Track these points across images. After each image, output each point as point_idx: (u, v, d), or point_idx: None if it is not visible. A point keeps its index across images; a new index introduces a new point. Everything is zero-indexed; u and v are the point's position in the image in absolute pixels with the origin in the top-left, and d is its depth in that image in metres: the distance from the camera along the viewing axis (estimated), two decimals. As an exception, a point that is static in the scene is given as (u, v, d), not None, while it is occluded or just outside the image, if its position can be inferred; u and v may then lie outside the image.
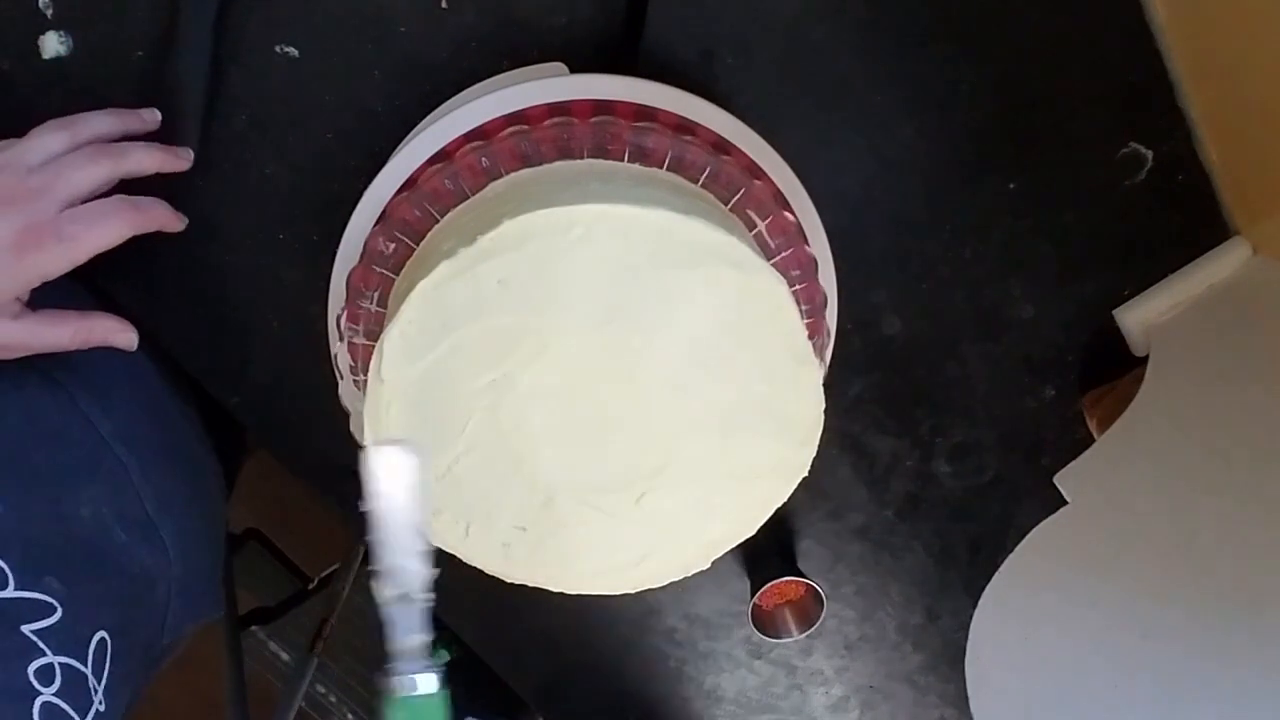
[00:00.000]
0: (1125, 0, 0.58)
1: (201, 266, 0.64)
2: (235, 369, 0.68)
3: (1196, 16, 0.56)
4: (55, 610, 0.48)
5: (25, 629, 0.46)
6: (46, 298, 0.52)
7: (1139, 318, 0.67)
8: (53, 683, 0.46)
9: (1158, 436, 0.59)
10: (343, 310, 0.54)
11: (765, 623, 0.79)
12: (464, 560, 0.54)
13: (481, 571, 0.54)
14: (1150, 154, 0.64)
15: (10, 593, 0.47)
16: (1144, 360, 0.65)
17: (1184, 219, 0.65)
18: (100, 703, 0.49)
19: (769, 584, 0.76)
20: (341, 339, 0.55)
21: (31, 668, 0.45)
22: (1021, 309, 0.69)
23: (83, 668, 0.49)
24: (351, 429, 0.57)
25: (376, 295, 0.53)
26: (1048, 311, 0.69)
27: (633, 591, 0.56)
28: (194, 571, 0.64)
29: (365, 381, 0.49)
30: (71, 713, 0.47)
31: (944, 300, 0.69)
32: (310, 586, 1.44)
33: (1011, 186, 0.65)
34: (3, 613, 0.46)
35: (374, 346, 0.48)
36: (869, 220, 0.65)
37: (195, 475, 0.69)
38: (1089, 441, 0.63)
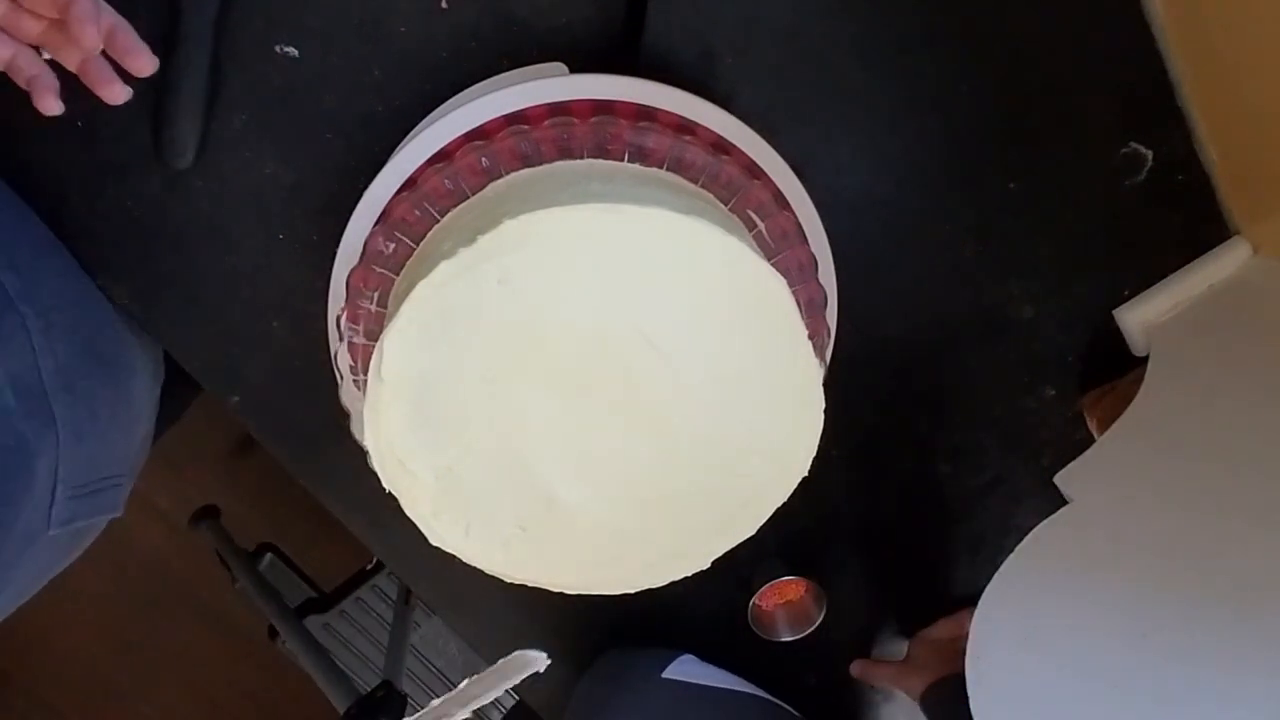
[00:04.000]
0: (1125, 0, 0.58)
1: (201, 266, 0.64)
2: (235, 369, 0.68)
3: (1196, 16, 0.56)
4: None
5: None
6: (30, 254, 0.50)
7: (1139, 318, 0.67)
8: None
9: (1158, 436, 0.59)
10: (343, 310, 0.54)
11: (765, 623, 0.79)
12: (464, 560, 0.54)
13: (482, 571, 0.54)
14: (1150, 154, 0.64)
15: None
16: (1144, 360, 0.64)
17: (1184, 219, 0.65)
18: None
19: (769, 584, 0.76)
20: (341, 339, 0.55)
21: None
22: (1021, 309, 0.69)
23: None
24: (352, 429, 0.57)
25: (376, 295, 0.53)
26: (1048, 311, 0.69)
27: (632, 591, 0.56)
28: (89, 462, 0.61)
29: (365, 381, 0.49)
30: None
31: (944, 300, 0.69)
32: (368, 567, 1.46)
33: (1011, 186, 0.65)
34: None
35: (374, 346, 0.48)
36: (869, 220, 0.65)
37: (113, 370, 0.65)
38: (1089, 441, 0.63)
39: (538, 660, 0.43)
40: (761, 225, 0.54)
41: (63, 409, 0.57)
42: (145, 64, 0.52)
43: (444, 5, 0.57)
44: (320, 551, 1.53)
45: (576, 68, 0.56)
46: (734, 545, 0.55)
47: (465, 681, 0.42)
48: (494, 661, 0.91)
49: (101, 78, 0.52)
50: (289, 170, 0.61)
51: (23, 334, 0.55)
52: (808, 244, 0.57)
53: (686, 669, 0.75)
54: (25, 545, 0.56)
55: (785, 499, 0.54)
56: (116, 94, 0.52)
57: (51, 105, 0.51)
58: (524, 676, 0.43)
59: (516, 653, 0.44)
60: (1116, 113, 0.62)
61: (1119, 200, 0.65)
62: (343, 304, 0.55)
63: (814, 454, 0.53)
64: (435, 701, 0.41)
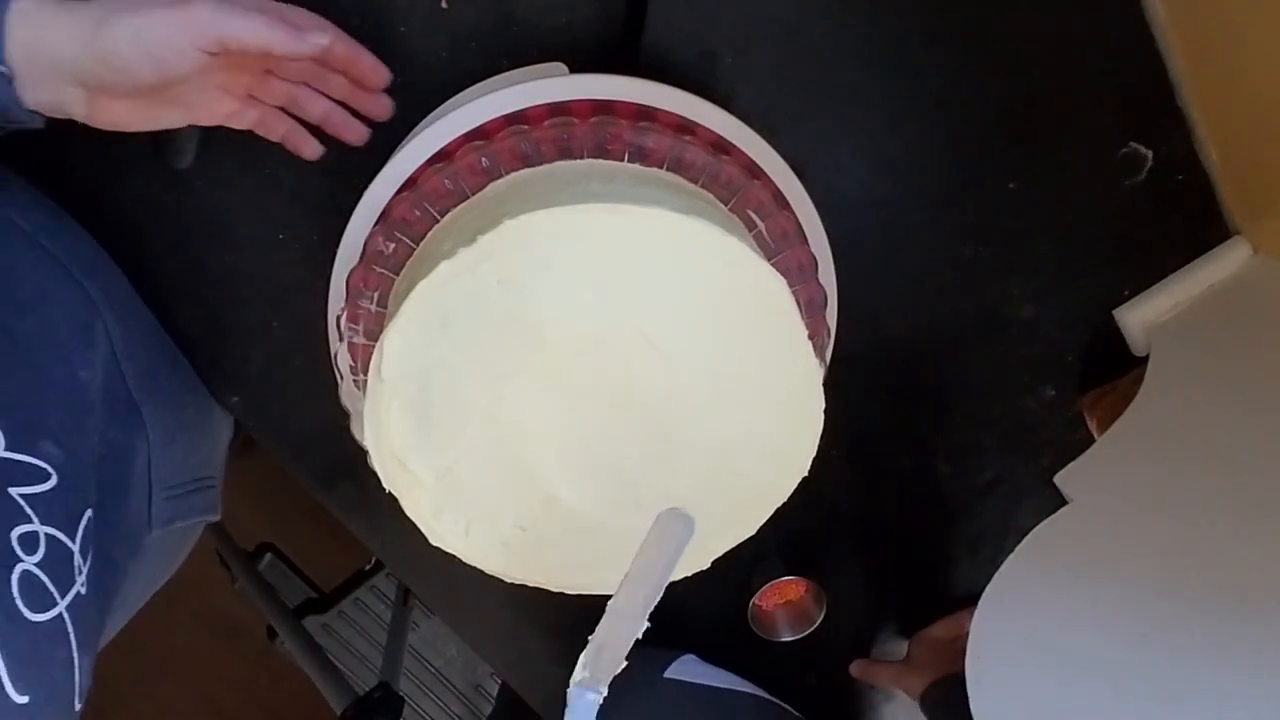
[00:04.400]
0: (1125, 0, 0.58)
1: (202, 266, 0.64)
2: (235, 369, 0.68)
3: (1196, 16, 0.56)
4: (49, 477, 0.46)
5: (13, 491, 0.44)
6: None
7: (1139, 318, 0.67)
8: (35, 551, 0.43)
9: (1158, 436, 0.59)
10: (343, 310, 0.54)
11: (765, 623, 0.79)
12: (465, 560, 0.54)
13: (481, 571, 0.54)
14: (1150, 154, 0.64)
15: (1, 453, 0.44)
16: (1144, 360, 0.64)
17: (1184, 219, 0.65)
18: (82, 585, 0.46)
19: (769, 584, 0.76)
20: (341, 339, 0.55)
21: (15, 532, 0.43)
22: (1021, 309, 0.69)
23: (70, 544, 0.46)
24: (352, 429, 0.57)
25: (376, 295, 0.53)
26: (1048, 311, 0.69)
27: (633, 591, 0.56)
28: (181, 463, 0.62)
29: (365, 382, 0.49)
30: (51, 588, 0.43)
31: (944, 300, 0.69)
32: (367, 568, 1.47)
33: (1011, 186, 0.65)
34: None
35: (374, 347, 0.48)
36: (869, 220, 0.65)
37: (189, 374, 0.66)
38: (1089, 441, 0.63)
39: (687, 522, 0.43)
40: (761, 225, 0.54)
41: (150, 411, 0.58)
42: (386, 109, 0.56)
43: (444, 5, 0.57)
44: (320, 551, 1.53)
45: (576, 68, 0.56)
46: (734, 545, 0.55)
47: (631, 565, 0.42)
48: (494, 662, 0.90)
49: (345, 124, 0.56)
50: (289, 170, 0.61)
51: (106, 341, 0.57)
52: (808, 244, 0.57)
53: (688, 669, 0.75)
54: (132, 549, 0.56)
55: (785, 499, 0.54)
56: (360, 134, 0.57)
57: (315, 150, 0.57)
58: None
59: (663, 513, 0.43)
60: (1116, 113, 0.62)
61: (1119, 200, 0.65)
62: (343, 304, 0.55)
63: (814, 454, 0.53)
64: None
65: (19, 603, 0.41)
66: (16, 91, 0.45)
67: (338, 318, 0.55)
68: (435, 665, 1.51)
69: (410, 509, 0.51)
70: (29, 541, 0.43)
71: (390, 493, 0.51)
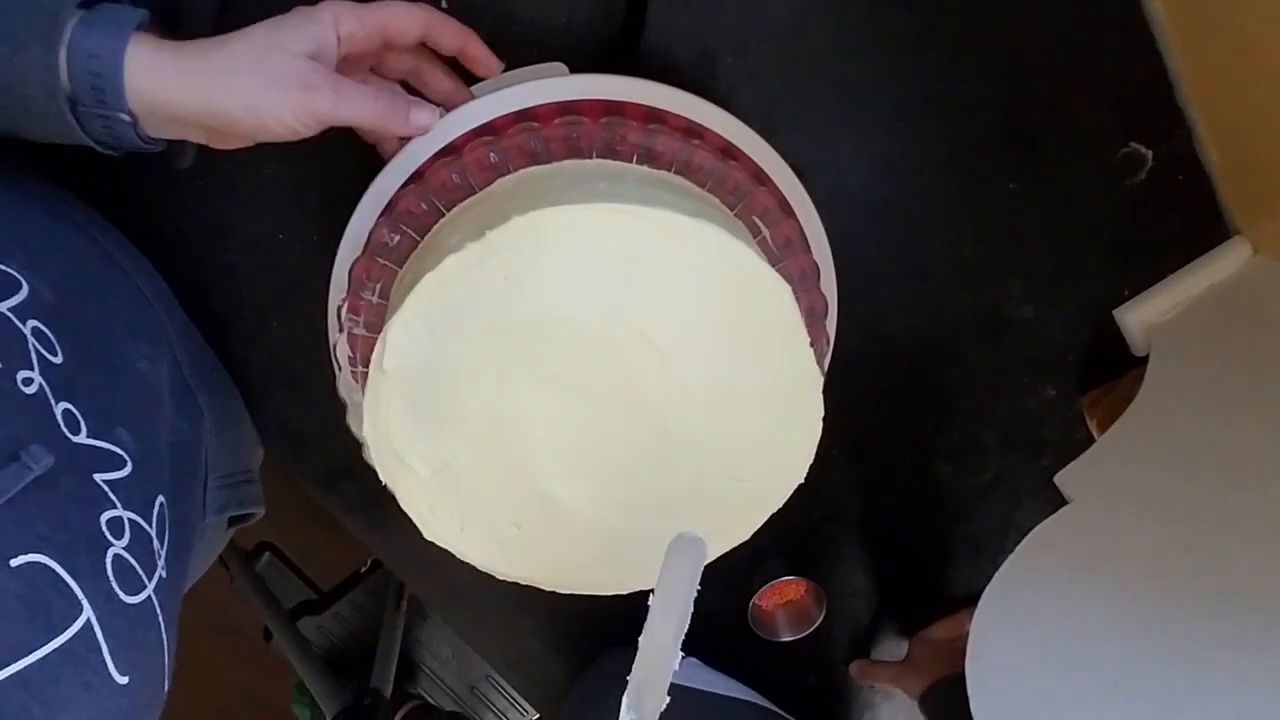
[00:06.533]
0: (1125, 0, 0.58)
1: (202, 266, 0.64)
2: (235, 368, 0.68)
3: (1196, 16, 0.56)
4: (125, 464, 0.47)
5: (97, 477, 0.45)
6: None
7: (1139, 318, 0.67)
8: (122, 536, 0.45)
9: (1158, 436, 0.59)
10: (343, 301, 0.54)
11: (765, 623, 0.79)
12: (458, 556, 0.54)
13: (480, 571, 0.54)
14: (1150, 154, 0.63)
15: (83, 439, 0.45)
16: (1144, 360, 0.64)
17: (1184, 219, 0.65)
18: (163, 569, 0.47)
19: (769, 584, 0.76)
20: (341, 330, 0.55)
21: (104, 517, 0.44)
22: (1021, 309, 0.69)
23: (148, 528, 0.47)
24: (349, 421, 0.57)
25: (378, 287, 0.53)
26: (1048, 311, 0.69)
27: (628, 592, 0.56)
28: (231, 453, 0.63)
29: (364, 373, 0.49)
30: (139, 570, 0.45)
31: (944, 300, 0.69)
32: (362, 570, 1.47)
33: (1011, 186, 0.65)
34: (78, 458, 0.44)
35: (374, 339, 0.48)
36: (869, 220, 0.65)
37: (224, 371, 0.68)
38: (1089, 441, 0.63)
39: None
40: (766, 232, 0.54)
41: (205, 399, 0.60)
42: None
43: (444, 5, 0.57)
44: (319, 551, 1.53)
45: (577, 68, 0.56)
46: (729, 549, 0.55)
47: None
48: (494, 661, 0.91)
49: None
50: (289, 170, 0.61)
51: (162, 332, 0.58)
52: (810, 252, 0.57)
53: (690, 673, 0.75)
54: (192, 535, 0.57)
55: (785, 499, 0.54)
56: (425, 120, 0.54)
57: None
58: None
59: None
60: (1116, 113, 0.62)
61: (1119, 200, 0.65)
62: (344, 295, 0.55)
63: (811, 460, 0.53)
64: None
65: (115, 585, 0.43)
66: (140, 130, 0.47)
67: (338, 308, 0.55)
68: (430, 667, 1.51)
69: (405, 503, 0.52)
70: (116, 526, 0.45)
71: (389, 492, 0.51)
